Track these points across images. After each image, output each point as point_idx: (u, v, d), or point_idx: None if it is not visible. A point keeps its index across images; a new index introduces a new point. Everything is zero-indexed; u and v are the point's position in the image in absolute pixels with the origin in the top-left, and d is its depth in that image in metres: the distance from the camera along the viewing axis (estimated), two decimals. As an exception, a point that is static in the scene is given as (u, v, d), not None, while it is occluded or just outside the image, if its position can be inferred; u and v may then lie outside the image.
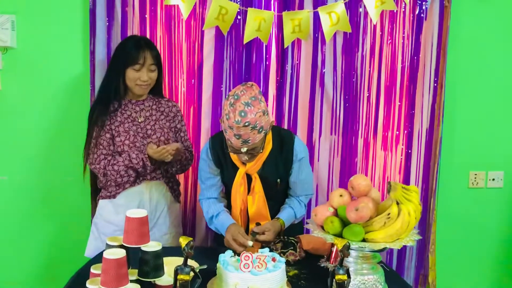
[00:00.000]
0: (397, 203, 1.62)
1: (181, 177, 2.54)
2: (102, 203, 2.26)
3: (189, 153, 2.35)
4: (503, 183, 2.83)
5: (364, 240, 1.63)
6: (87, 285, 1.49)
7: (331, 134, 2.62)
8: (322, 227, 1.71)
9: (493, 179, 2.82)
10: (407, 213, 1.59)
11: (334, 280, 1.50)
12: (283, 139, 2.05)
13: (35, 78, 2.57)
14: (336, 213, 1.72)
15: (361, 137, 2.63)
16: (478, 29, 2.69)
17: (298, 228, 2.19)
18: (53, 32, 2.54)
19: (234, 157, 2.02)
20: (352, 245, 1.59)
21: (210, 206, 2.10)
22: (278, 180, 2.06)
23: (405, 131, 2.64)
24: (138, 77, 2.17)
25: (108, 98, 2.22)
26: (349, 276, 1.51)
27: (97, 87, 2.39)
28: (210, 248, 2.41)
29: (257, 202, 2.02)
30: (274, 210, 2.09)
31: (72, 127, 2.54)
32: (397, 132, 2.63)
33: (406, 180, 2.66)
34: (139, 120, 2.24)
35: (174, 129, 2.32)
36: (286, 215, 2.06)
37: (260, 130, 1.85)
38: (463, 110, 2.76)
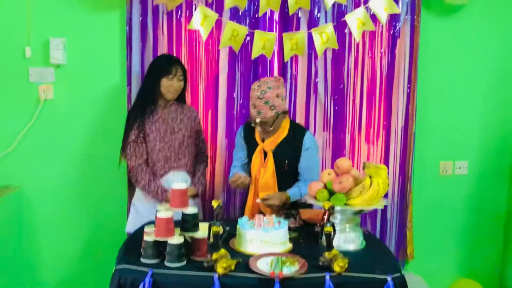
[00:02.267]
0: (370, 177, 2.17)
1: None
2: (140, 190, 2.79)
3: (205, 156, 2.91)
4: (467, 171, 3.29)
5: (346, 205, 2.18)
6: (144, 238, 2.04)
7: (324, 131, 3.12)
8: (315, 198, 2.27)
9: (460, 168, 3.29)
10: (377, 184, 2.15)
11: (323, 232, 2.05)
12: (296, 130, 2.59)
13: (81, 90, 3.07)
14: (325, 187, 2.27)
15: (348, 133, 3.12)
16: (443, 44, 3.16)
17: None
18: (96, 52, 3.04)
19: (257, 136, 2.60)
20: (337, 208, 2.15)
21: (232, 170, 2.73)
22: (286, 161, 2.58)
23: (384, 129, 3.14)
24: (171, 84, 2.69)
25: (145, 102, 2.71)
26: (334, 230, 2.06)
27: (133, 97, 2.92)
28: (231, 220, 2.89)
29: (267, 174, 2.57)
30: (281, 185, 2.58)
31: (111, 129, 3.04)
32: (378, 128, 3.14)
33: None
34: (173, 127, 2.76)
35: (195, 129, 2.85)
36: (292, 191, 2.56)
37: (272, 108, 2.44)
38: (433, 110, 3.21)
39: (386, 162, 3.17)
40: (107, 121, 3.11)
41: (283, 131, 2.58)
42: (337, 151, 3.13)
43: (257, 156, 2.61)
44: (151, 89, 2.72)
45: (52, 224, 3.19)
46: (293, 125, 2.64)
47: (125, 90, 3.04)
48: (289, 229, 2.39)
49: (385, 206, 3.14)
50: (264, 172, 2.59)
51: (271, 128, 2.51)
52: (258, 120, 2.47)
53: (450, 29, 3.18)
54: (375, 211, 3.20)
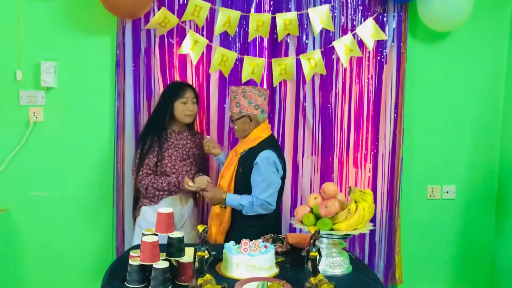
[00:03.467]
0: (355, 202, 2.19)
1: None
2: (144, 208, 2.83)
3: None
4: (455, 195, 3.33)
5: (332, 230, 2.20)
6: (129, 262, 2.03)
7: (312, 155, 3.15)
8: (302, 222, 2.28)
9: (447, 192, 3.32)
10: (362, 209, 2.16)
11: (309, 256, 2.05)
12: (262, 145, 2.59)
13: (71, 113, 3.09)
14: (311, 211, 2.29)
15: (336, 157, 3.16)
16: (429, 70, 3.22)
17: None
18: (87, 75, 3.06)
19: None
20: (323, 232, 2.16)
21: None
22: (241, 168, 2.61)
23: (372, 153, 3.17)
24: (186, 108, 2.79)
25: (159, 128, 2.78)
26: (320, 254, 2.07)
27: (127, 121, 2.99)
28: (218, 244, 2.84)
29: (226, 175, 2.64)
30: (237, 191, 2.62)
31: (101, 153, 3.10)
32: (365, 152, 3.18)
33: (374, 193, 3.16)
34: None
35: (200, 155, 2.95)
36: (232, 196, 2.58)
37: (237, 105, 2.60)
38: (420, 135, 3.26)
39: (374, 186, 3.19)
40: (97, 144, 3.12)
41: (254, 141, 2.61)
42: (325, 175, 3.15)
43: (230, 156, 2.69)
44: (165, 114, 2.80)
45: (39, 248, 3.16)
46: (266, 141, 2.63)
47: (114, 114, 3.06)
48: (276, 253, 2.41)
49: (373, 230, 3.18)
50: (227, 172, 2.65)
51: (236, 128, 2.63)
52: (232, 116, 2.67)
53: (436, 56, 3.25)
54: (363, 235, 3.21)
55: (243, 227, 2.56)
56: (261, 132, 2.63)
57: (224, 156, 2.91)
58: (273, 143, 2.65)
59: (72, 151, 3.13)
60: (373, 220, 3.14)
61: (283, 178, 2.66)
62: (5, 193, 3.12)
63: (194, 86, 3.05)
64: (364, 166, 3.19)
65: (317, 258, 2.05)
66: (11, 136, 3.09)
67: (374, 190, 3.19)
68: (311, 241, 2.07)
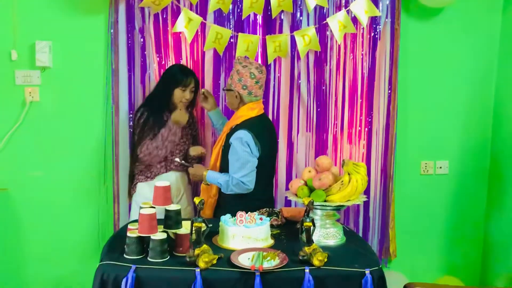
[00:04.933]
0: (349, 174, 2.23)
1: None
2: (140, 185, 2.87)
3: None
4: (448, 170, 3.37)
5: (325, 201, 2.24)
6: (128, 234, 2.08)
7: (307, 131, 3.18)
8: (296, 195, 2.33)
9: (440, 167, 3.37)
10: (355, 181, 2.21)
11: (303, 226, 2.10)
12: (242, 125, 2.58)
13: (67, 92, 3.09)
14: (306, 184, 2.33)
15: (331, 133, 3.19)
16: (423, 46, 3.24)
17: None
18: (81, 54, 3.06)
19: None
20: (317, 204, 2.21)
21: None
22: (225, 145, 2.63)
23: (366, 129, 3.20)
24: (183, 96, 2.82)
25: (160, 110, 2.81)
26: (314, 225, 2.12)
27: (121, 99, 3.03)
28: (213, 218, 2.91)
29: (214, 149, 2.70)
30: (224, 168, 2.63)
31: (97, 131, 3.12)
32: (359, 128, 3.20)
33: (368, 168, 3.20)
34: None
35: (193, 135, 3.00)
36: (213, 173, 2.63)
37: (231, 77, 2.64)
38: (414, 111, 3.29)
39: (368, 162, 3.23)
40: (93, 123, 3.14)
41: (238, 119, 2.62)
42: (320, 151, 3.19)
43: (222, 132, 2.72)
44: (165, 97, 2.83)
45: (38, 226, 3.19)
46: (250, 120, 2.60)
47: (110, 91, 3.08)
48: (272, 226, 2.46)
49: (367, 205, 3.23)
50: (215, 148, 2.70)
51: (228, 101, 2.71)
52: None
53: (429, 32, 3.26)
54: (358, 209, 3.26)
55: (228, 204, 2.57)
56: (247, 111, 2.61)
57: (219, 115, 2.95)
58: (255, 124, 2.60)
59: (68, 130, 3.14)
60: (367, 195, 3.22)
61: (265, 159, 2.62)
62: (4, 173, 3.14)
63: (189, 64, 3.07)
64: (358, 142, 3.23)
65: (311, 228, 2.10)
66: (8, 116, 3.10)
67: (368, 165, 3.22)
68: (306, 212, 2.12)
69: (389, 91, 3.20)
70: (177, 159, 2.82)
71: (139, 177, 2.90)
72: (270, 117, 3.14)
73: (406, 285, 2.20)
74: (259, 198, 2.62)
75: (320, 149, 3.20)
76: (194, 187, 3.14)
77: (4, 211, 3.14)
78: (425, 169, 3.38)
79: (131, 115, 3.05)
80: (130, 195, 3.01)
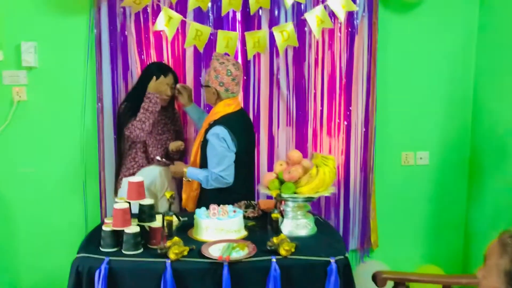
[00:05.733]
0: (317, 167, 2.30)
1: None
2: (125, 180, 2.94)
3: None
4: (429, 161, 3.43)
5: (295, 193, 2.31)
6: (103, 228, 2.17)
7: (287, 126, 3.24)
8: (268, 187, 2.40)
9: (421, 158, 3.41)
10: (323, 173, 2.27)
11: (271, 218, 2.17)
12: (218, 121, 2.63)
13: (53, 91, 3.17)
14: (277, 177, 2.40)
15: (311, 127, 3.25)
16: (401, 39, 3.29)
17: None
18: (66, 54, 3.13)
19: None
20: (288, 196, 2.28)
21: None
22: (203, 141, 2.67)
23: (345, 122, 3.26)
24: (165, 92, 2.89)
25: (138, 106, 2.85)
26: (282, 216, 2.19)
27: (105, 97, 3.11)
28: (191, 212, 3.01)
29: (194, 145, 2.76)
30: (203, 164, 2.68)
31: (83, 129, 3.20)
32: (339, 121, 3.26)
33: (347, 160, 3.30)
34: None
35: (176, 130, 3.08)
36: (193, 170, 2.69)
37: (208, 74, 2.68)
38: (393, 103, 3.33)
39: (348, 154, 3.30)
40: (79, 120, 3.22)
41: (215, 115, 2.68)
42: (300, 145, 3.25)
43: (202, 128, 2.76)
44: (143, 95, 2.86)
45: (29, 221, 3.30)
46: (226, 116, 2.65)
47: (95, 89, 3.16)
48: (249, 218, 2.53)
49: (348, 197, 3.31)
50: (195, 144, 2.76)
51: (206, 96, 2.77)
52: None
53: (408, 25, 3.30)
54: (338, 201, 3.33)
55: (209, 198, 2.62)
56: (224, 107, 2.67)
57: (196, 110, 3.02)
58: (232, 119, 2.66)
59: (56, 128, 3.23)
60: (347, 187, 3.29)
61: (242, 153, 2.67)
62: (-7, 171, 3.25)
63: (169, 62, 3.15)
64: (338, 135, 3.29)
65: (279, 219, 2.17)
66: (-4, 115, 3.20)
67: (348, 158, 3.30)
68: (275, 204, 2.19)
69: (368, 84, 3.25)
70: (158, 157, 2.90)
71: (124, 172, 2.99)
72: (250, 112, 3.21)
73: (375, 273, 2.26)
74: (238, 191, 2.69)
75: (301, 143, 3.26)
76: (179, 181, 3.22)
77: (-5, 206, 3.25)
78: (405, 160, 3.43)
79: (115, 112, 3.13)
80: (116, 190, 3.09)
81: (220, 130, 2.59)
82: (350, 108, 3.26)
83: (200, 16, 3.11)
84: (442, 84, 3.39)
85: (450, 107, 3.41)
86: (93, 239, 2.27)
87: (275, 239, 2.11)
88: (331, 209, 3.35)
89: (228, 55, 2.97)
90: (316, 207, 3.33)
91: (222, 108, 2.67)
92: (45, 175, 3.27)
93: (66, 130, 3.24)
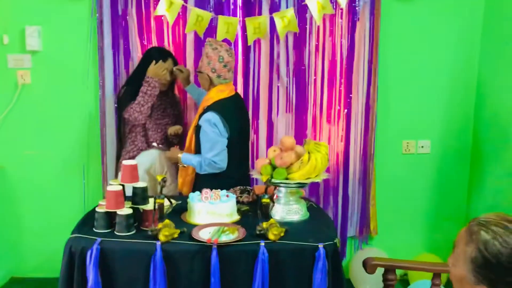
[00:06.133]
0: (309, 153, 2.31)
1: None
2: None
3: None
4: (430, 150, 3.41)
5: (287, 179, 2.32)
6: (96, 209, 2.21)
7: (286, 112, 3.25)
8: (260, 173, 2.42)
9: (422, 147, 3.40)
10: (315, 159, 2.28)
11: (261, 203, 2.20)
12: (211, 107, 2.64)
13: (56, 75, 3.24)
14: (270, 163, 2.41)
15: (310, 114, 3.25)
16: (404, 26, 3.25)
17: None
18: (69, 38, 3.19)
19: None
20: (279, 181, 2.29)
21: None
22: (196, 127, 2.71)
23: (345, 109, 3.25)
24: (164, 77, 2.92)
25: (138, 90, 2.88)
26: (272, 201, 2.21)
27: (107, 81, 3.15)
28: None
29: (189, 130, 2.79)
30: (198, 150, 2.70)
31: (85, 110, 3.27)
32: (339, 108, 3.25)
33: (347, 147, 3.29)
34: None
35: (176, 114, 3.10)
36: (187, 155, 2.73)
37: (201, 67, 2.69)
38: (395, 91, 3.31)
39: (347, 141, 3.30)
40: (81, 103, 3.29)
41: (208, 101, 2.70)
42: (299, 132, 3.26)
43: (197, 113, 2.78)
44: (142, 79, 2.89)
45: (33, 202, 3.39)
46: (219, 102, 2.67)
47: (97, 74, 3.20)
48: (243, 203, 2.56)
49: (347, 184, 3.31)
50: (190, 129, 2.78)
51: (200, 81, 2.79)
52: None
53: (411, 12, 3.26)
54: (337, 188, 3.34)
55: (204, 183, 2.62)
56: (217, 93, 2.69)
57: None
58: (225, 105, 2.67)
59: (59, 111, 3.30)
60: (346, 174, 3.29)
61: (235, 139, 2.69)
62: (0, 152, 3.32)
63: (170, 47, 3.16)
64: (338, 122, 3.28)
65: (270, 204, 2.19)
66: (1, 98, 3.27)
67: (347, 145, 3.30)
68: (265, 189, 2.21)
69: (369, 72, 3.24)
70: (154, 144, 2.96)
71: (124, 155, 3.03)
72: (250, 98, 3.22)
73: (365, 259, 2.27)
74: (232, 176, 2.71)
75: (300, 129, 3.26)
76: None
77: (2, 186, 3.33)
78: (406, 149, 3.42)
79: (116, 96, 3.17)
80: (117, 173, 3.14)
81: (212, 116, 2.61)
82: (351, 95, 3.25)
83: (201, 1, 3.12)
84: (445, 72, 3.35)
85: (453, 96, 3.38)
86: (88, 221, 2.32)
87: (264, 224, 2.13)
88: (330, 196, 3.36)
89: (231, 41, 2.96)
90: (314, 193, 3.34)
91: (215, 94, 2.69)
92: (48, 157, 3.35)
93: (69, 113, 3.30)
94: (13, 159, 3.34)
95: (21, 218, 3.42)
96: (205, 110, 2.66)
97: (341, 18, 3.19)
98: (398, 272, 3.38)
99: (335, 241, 2.11)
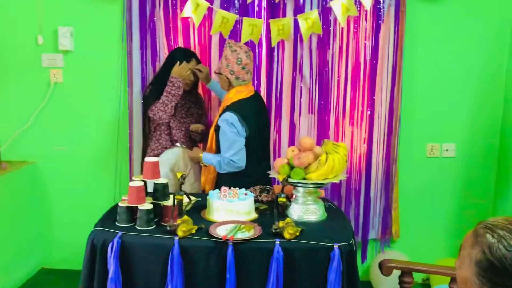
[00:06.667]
0: (326, 154, 2.33)
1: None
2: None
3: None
4: (455, 153, 3.36)
5: (304, 179, 2.35)
6: (119, 204, 2.29)
7: (309, 113, 3.27)
8: (278, 172, 2.45)
9: (447, 150, 3.35)
10: (332, 160, 2.30)
11: (277, 202, 2.23)
12: (229, 107, 2.70)
13: (87, 73, 3.37)
14: (288, 163, 2.44)
15: (333, 115, 3.26)
16: (430, 28, 3.22)
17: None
18: (100, 38, 3.31)
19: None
20: (297, 181, 2.32)
21: None
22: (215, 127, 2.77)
23: (368, 111, 3.25)
24: (188, 77, 3.00)
25: (162, 90, 2.96)
26: (289, 200, 2.24)
27: (134, 80, 3.24)
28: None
29: (211, 130, 2.84)
30: (218, 149, 2.75)
31: (114, 108, 3.38)
32: (361, 109, 3.25)
33: (370, 149, 3.28)
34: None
35: (200, 114, 3.17)
36: (207, 155, 2.80)
37: (220, 69, 2.75)
38: (420, 93, 3.28)
39: (370, 144, 3.28)
40: (110, 101, 3.40)
41: (227, 101, 2.75)
42: (322, 133, 3.27)
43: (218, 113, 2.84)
44: (167, 79, 2.97)
45: (63, 196, 3.53)
46: (237, 102, 2.72)
47: (126, 73, 3.29)
48: (262, 202, 2.60)
49: (369, 186, 3.30)
50: (211, 129, 2.83)
51: (220, 83, 2.84)
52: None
53: (438, 14, 3.23)
54: (358, 189, 3.33)
55: (224, 181, 2.68)
56: (236, 94, 2.73)
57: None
58: (243, 105, 2.71)
59: (89, 109, 3.42)
60: (368, 176, 3.28)
61: (254, 138, 2.73)
62: (32, 148, 3.48)
63: (196, 48, 3.23)
64: (361, 123, 3.28)
65: (286, 204, 2.22)
66: (35, 96, 3.42)
67: (370, 147, 3.28)
68: (281, 189, 2.25)
69: (393, 74, 3.22)
70: (178, 144, 3.04)
71: (149, 153, 3.12)
72: (273, 98, 3.25)
73: (381, 261, 2.28)
74: (252, 175, 2.75)
75: (322, 130, 3.27)
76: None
77: (33, 181, 3.48)
78: (431, 152, 3.38)
79: (142, 95, 3.26)
80: (142, 169, 3.23)
81: (230, 116, 2.66)
82: (374, 97, 3.24)
83: (226, 3, 3.17)
84: (472, 75, 3.30)
85: (480, 98, 3.32)
86: (111, 215, 2.40)
87: (280, 223, 2.16)
88: (351, 198, 3.36)
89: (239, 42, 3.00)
90: (336, 194, 3.35)
91: (234, 95, 2.74)
92: (78, 153, 3.48)
93: (98, 111, 3.42)
94: (45, 155, 3.48)
95: (52, 212, 3.56)
96: (224, 110, 2.72)
97: (366, 20, 3.18)
98: (421, 276, 3.40)
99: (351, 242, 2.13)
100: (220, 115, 2.73)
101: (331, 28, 3.18)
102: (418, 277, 3.39)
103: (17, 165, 3.37)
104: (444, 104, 3.34)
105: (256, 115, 2.78)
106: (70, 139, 3.47)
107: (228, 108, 2.70)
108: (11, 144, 3.45)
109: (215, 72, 2.88)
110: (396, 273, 2.26)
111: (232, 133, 2.65)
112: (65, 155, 3.48)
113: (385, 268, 2.25)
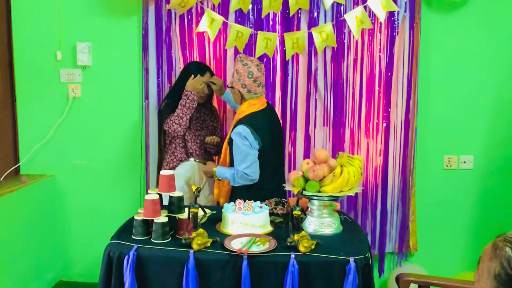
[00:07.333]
0: (342, 166, 2.32)
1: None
2: None
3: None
4: (473, 165, 3.33)
5: (319, 192, 2.34)
6: (135, 217, 2.31)
7: (324, 126, 3.27)
8: (293, 185, 2.45)
9: (464, 162, 3.32)
10: (347, 173, 2.29)
11: (292, 215, 2.22)
12: (242, 120, 2.73)
13: (105, 88, 3.41)
14: (303, 175, 2.44)
15: (348, 128, 3.26)
16: (446, 40, 3.22)
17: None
18: (117, 54, 3.36)
19: None
20: (312, 194, 2.31)
21: None
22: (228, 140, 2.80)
23: (384, 123, 3.24)
24: (202, 90, 3.03)
25: (177, 103, 2.99)
26: (304, 214, 2.23)
27: (150, 92, 3.28)
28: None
29: (224, 143, 2.85)
30: (232, 162, 2.78)
31: (132, 122, 3.41)
32: (377, 121, 3.23)
33: (386, 162, 3.26)
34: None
35: (215, 126, 3.19)
36: (221, 169, 2.82)
37: (232, 82, 2.77)
38: (436, 105, 3.28)
39: (386, 156, 3.27)
40: (128, 116, 3.44)
41: (240, 114, 2.77)
42: (337, 145, 3.27)
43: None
44: (182, 89, 3.01)
45: (81, 210, 3.56)
46: (250, 115, 2.74)
47: (142, 87, 3.34)
48: (277, 215, 2.59)
49: (385, 198, 3.27)
50: (225, 142, 2.85)
51: (232, 97, 2.87)
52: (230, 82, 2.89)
53: (453, 26, 3.23)
54: (375, 202, 3.30)
55: (239, 194, 2.71)
56: (248, 107, 2.75)
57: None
58: (255, 118, 2.73)
59: (106, 123, 3.46)
60: (384, 188, 3.26)
61: (267, 151, 2.74)
62: (51, 161, 3.53)
63: (211, 62, 3.27)
64: (376, 136, 3.27)
65: (301, 217, 2.22)
66: (54, 110, 3.47)
67: (386, 159, 3.27)
68: (296, 202, 2.24)
69: (408, 86, 3.21)
70: (192, 159, 3.07)
71: (164, 166, 3.15)
72: (288, 111, 3.26)
73: (398, 275, 2.25)
74: (266, 187, 2.76)
75: (337, 143, 3.27)
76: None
77: (51, 195, 3.53)
78: (448, 164, 3.35)
79: (158, 109, 3.30)
80: (157, 183, 3.25)
81: (242, 129, 2.68)
82: (389, 109, 3.23)
83: (241, 17, 3.21)
84: (489, 86, 3.27)
85: (497, 110, 3.29)
86: (127, 228, 2.42)
87: (295, 236, 2.16)
88: (368, 210, 3.33)
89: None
90: (352, 207, 3.33)
91: (247, 108, 2.76)
92: (96, 167, 3.51)
93: (116, 124, 3.46)
94: (63, 169, 3.53)
95: (70, 225, 3.60)
96: (237, 123, 2.73)
97: (380, 32, 3.19)
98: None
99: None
100: (233, 129, 2.74)
101: (346, 41, 3.19)
102: (436, 292, 3.34)
103: (36, 179, 3.43)
104: (461, 115, 3.31)
105: (269, 127, 2.80)
106: (88, 153, 3.51)
107: (241, 121, 2.72)
108: (30, 157, 3.51)
109: (227, 87, 2.90)
110: (414, 287, 2.23)
111: (245, 146, 2.67)
112: (83, 168, 3.52)
113: (402, 282, 2.22)
